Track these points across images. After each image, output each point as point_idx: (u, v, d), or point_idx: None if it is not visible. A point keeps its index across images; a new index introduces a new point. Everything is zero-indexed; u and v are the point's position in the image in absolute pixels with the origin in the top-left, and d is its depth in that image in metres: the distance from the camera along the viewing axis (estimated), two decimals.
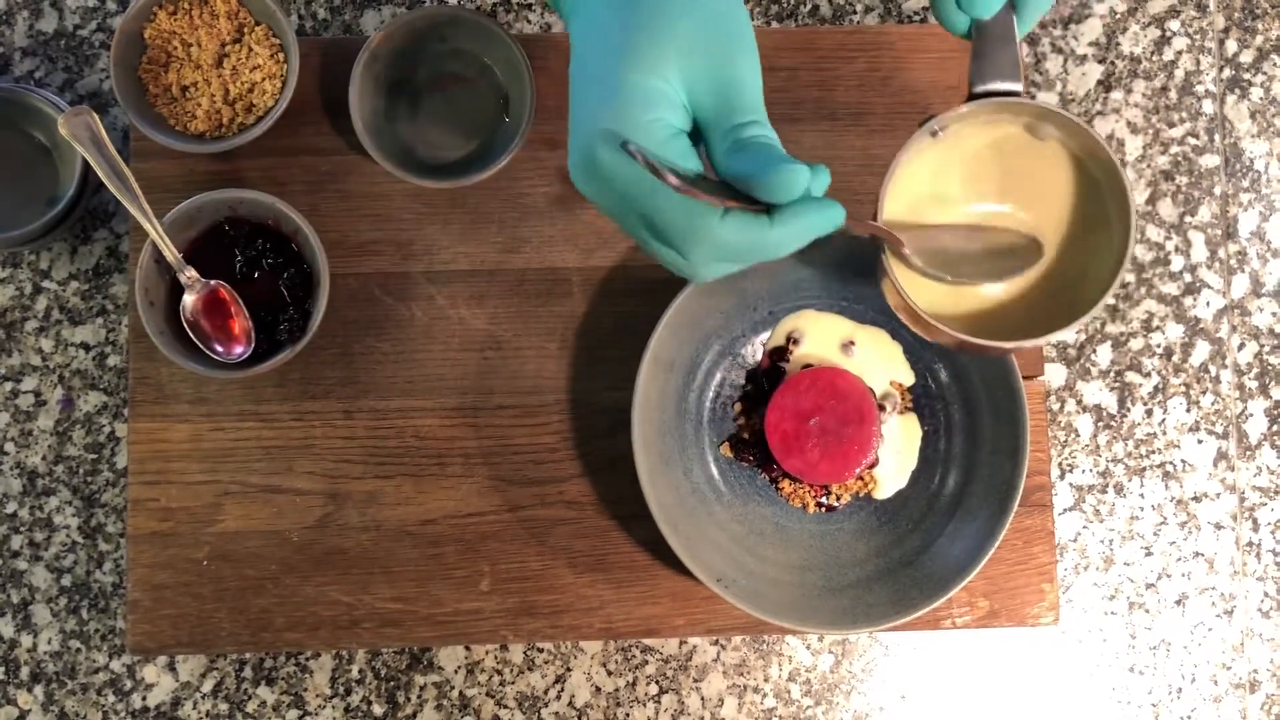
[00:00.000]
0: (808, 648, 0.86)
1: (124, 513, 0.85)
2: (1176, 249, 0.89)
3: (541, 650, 0.85)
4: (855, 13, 0.90)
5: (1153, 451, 0.88)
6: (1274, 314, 0.89)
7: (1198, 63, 0.90)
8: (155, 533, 0.82)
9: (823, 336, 0.83)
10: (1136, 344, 0.88)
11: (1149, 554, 0.87)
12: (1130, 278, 0.88)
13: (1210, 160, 0.90)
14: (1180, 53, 0.90)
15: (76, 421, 0.86)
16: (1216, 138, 0.90)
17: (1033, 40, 0.90)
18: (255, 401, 0.83)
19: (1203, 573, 0.87)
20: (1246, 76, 0.90)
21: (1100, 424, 0.88)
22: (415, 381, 0.84)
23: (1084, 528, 0.87)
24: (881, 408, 0.82)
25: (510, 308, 0.84)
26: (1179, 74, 0.90)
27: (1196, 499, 0.88)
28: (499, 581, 0.83)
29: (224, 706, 0.85)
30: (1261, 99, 0.90)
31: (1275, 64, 0.90)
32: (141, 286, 0.78)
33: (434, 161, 0.84)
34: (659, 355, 0.80)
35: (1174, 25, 0.90)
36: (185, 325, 0.79)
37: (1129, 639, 0.87)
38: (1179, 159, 0.89)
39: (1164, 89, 0.90)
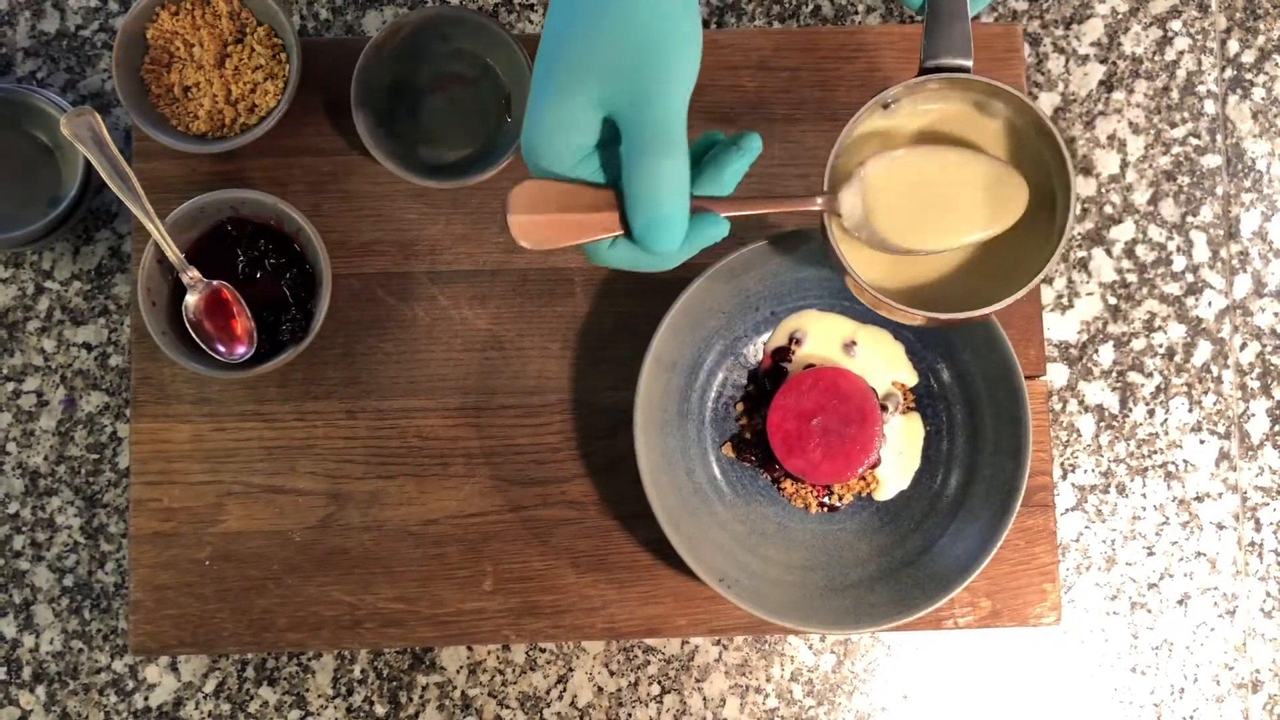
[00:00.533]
0: (810, 648, 0.86)
1: (126, 513, 0.85)
2: (1178, 249, 0.89)
3: (544, 650, 0.85)
4: (857, 13, 0.90)
5: (1155, 451, 0.88)
6: (1276, 314, 0.89)
7: (1199, 63, 0.90)
8: (157, 533, 0.82)
9: (825, 336, 0.83)
10: (1138, 344, 0.88)
11: (1151, 554, 0.87)
12: (1132, 278, 0.88)
13: (1212, 160, 0.90)
14: (1182, 53, 0.90)
15: (79, 422, 0.86)
16: (1218, 138, 0.90)
17: (1034, 40, 0.90)
18: (257, 402, 0.83)
19: (1205, 573, 0.87)
20: (1248, 77, 0.90)
21: (1102, 424, 0.88)
22: (417, 381, 0.84)
23: (1086, 528, 0.87)
24: (884, 408, 0.82)
25: (512, 308, 0.84)
26: (1181, 74, 0.90)
27: (1198, 499, 0.88)
28: (501, 581, 0.83)
29: (226, 707, 0.85)
30: (1263, 99, 0.90)
31: (1277, 64, 0.90)
32: (144, 287, 0.78)
33: (436, 161, 0.84)
34: (661, 355, 0.80)
35: (1176, 25, 0.90)
36: (188, 325, 0.79)
37: (1131, 639, 0.87)
38: (1181, 159, 0.89)
39: (1166, 89, 0.90)
